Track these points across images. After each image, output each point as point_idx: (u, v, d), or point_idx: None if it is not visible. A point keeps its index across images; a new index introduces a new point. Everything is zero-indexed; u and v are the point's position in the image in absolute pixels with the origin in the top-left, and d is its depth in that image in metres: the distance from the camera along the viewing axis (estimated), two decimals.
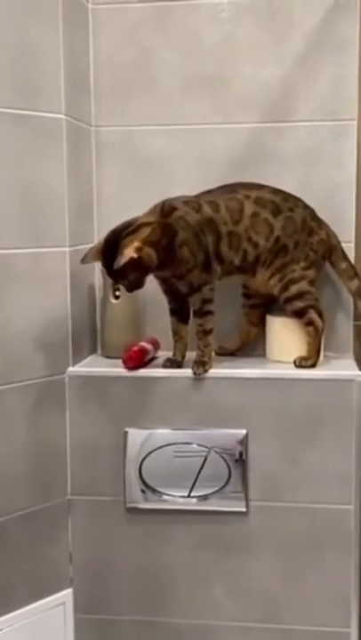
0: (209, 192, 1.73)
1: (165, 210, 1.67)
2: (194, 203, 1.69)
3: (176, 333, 1.76)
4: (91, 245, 1.72)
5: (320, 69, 1.80)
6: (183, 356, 1.76)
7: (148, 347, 1.79)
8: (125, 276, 1.62)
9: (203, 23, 1.82)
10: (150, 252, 1.61)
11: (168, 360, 1.76)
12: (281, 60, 1.81)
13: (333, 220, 1.79)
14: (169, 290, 1.74)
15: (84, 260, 1.67)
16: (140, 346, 1.77)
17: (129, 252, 1.57)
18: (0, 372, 1.63)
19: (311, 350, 1.74)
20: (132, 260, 1.57)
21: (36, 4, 1.63)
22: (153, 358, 1.81)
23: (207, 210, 1.69)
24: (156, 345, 1.83)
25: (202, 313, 1.70)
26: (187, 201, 1.69)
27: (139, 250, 1.58)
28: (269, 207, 1.72)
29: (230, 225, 1.70)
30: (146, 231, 1.61)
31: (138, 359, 1.74)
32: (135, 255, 1.58)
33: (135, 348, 1.75)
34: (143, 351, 1.76)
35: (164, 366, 1.75)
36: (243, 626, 1.75)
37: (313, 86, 1.81)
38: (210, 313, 1.71)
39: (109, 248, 1.62)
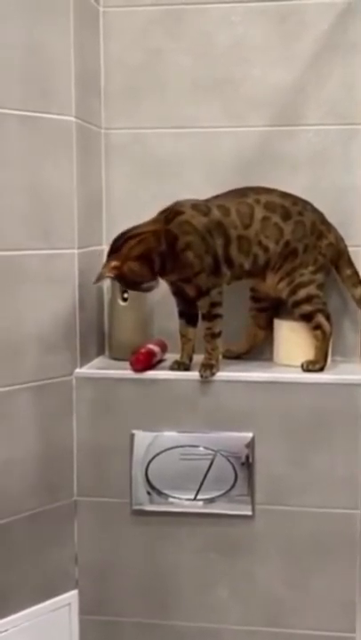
0: (219, 196, 1.73)
1: (169, 216, 1.67)
2: (202, 206, 1.69)
3: (184, 336, 1.77)
4: (99, 247, 1.72)
5: (330, 73, 1.80)
6: (190, 359, 1.76)
7: (156, 349, 1.79)
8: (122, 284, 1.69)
9: (213, 26, 1.82)
10: (133, 266, 1.64)
11: (175, 362, 1.76)
12: (291, 63, 1.81)
13: (342, 223, 1.79)
14: (178, 292, 1.75)
15: None
16: (148, 348, 1.77)
17: (104, 272, 1.64)
18: (7, 372, 1.64)
19: (319, 354, 1.74)
20: (110, 277, 1.65)
21: (47, 6, 1.63)
22: (160, 360, 1.81)
23: (216, 213, 1.69)
24: (163, 347, 1.83)
25: (210, 316, 1.71)
26: (195, 204, 1.69)
27: (115, 269, 1.64)
28: (279, 211, 1.72)
29: (240, 229, 1.70)
30: (129, 245, 1.64)
31: (145, 361, 1.74)
32: (111, 275, 1.64)
33: (143, 350, 1.75)
34: (151, 353, 1.76)
35: (172, 369, 1.75)
36: (247, 629, 1.75)
37: (323, 90, 1.80)
38: (218, 316, 1.71)
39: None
